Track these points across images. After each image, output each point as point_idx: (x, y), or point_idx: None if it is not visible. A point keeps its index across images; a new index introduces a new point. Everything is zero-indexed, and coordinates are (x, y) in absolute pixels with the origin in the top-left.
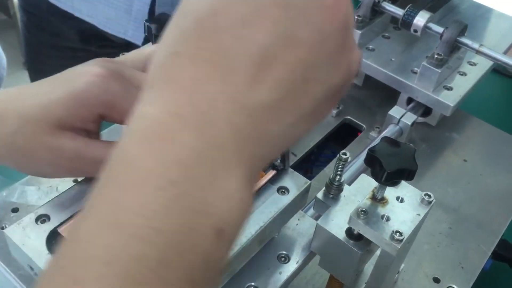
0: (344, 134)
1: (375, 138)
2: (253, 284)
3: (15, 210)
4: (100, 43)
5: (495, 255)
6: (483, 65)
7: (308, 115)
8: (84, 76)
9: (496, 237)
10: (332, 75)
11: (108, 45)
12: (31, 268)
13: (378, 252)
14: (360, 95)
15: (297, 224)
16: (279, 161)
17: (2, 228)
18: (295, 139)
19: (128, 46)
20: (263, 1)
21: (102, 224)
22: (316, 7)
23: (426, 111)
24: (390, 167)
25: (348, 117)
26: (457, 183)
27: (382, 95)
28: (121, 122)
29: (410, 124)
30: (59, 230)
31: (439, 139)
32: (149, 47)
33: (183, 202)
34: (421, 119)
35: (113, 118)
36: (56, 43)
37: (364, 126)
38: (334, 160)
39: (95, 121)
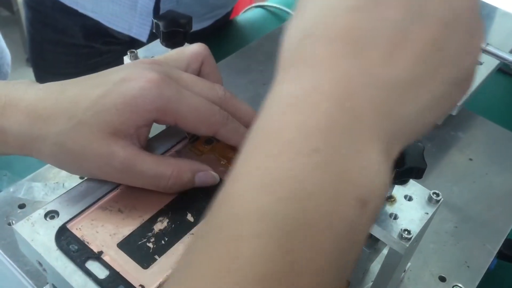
0: None
1: None
2: None
3: (21, 206)
4: (104, 40)
5: (500, 254)
6: (489, 64)
7: (439, 99)
8: (137, 81)
9: (502, 236)
10: (463, 57)
11: (113, 42)
12: (40, 264)
13: (384, 251)
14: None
15: None
16: None
17: (9, 224)
18: (428, 126)
19: (132, 42)
20: None
21: (252, 187)
22: None
23: None
24: (400, 166)
25: None
26: (462, 182)
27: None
28: (174, 124)
29: None
30: (68, 226)
31: (444, 138)
32: (190, 48)
33: (326, 168)
34: None
35: (166, 122)
36: (60, 40)
37: None
38: None
39: (147, 126)
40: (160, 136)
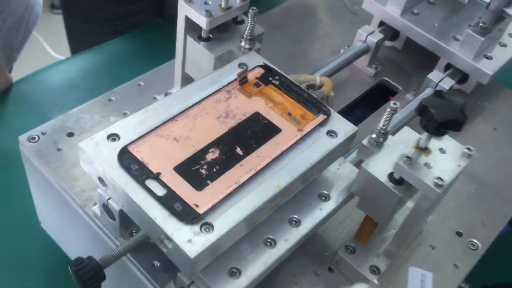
0: (375, 98)
1: (410, 100)
2: (295, 216)
3: (70, 134)
4: None
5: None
6: None
7: None
8: None
9: None
10: None
11: None
12: (101, 180)
13: (409, 205)
14: (398, 58)
15: (337, 168)
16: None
17: (58, 150)
18: None
19: None
20: None
21: None
22: None
23: (462, 78)
24: (442, 117)
25: (385, 78)
26: (485, 150)
27: (419, 60)
28: None
29: (447, 88)
30: (129, 148)
31: (471, 107)
32: None
33: None
34: (456, 86)
35: None
36: None
37: (400, 88)
38: (366, 120)
39: None
40: (214, 75)
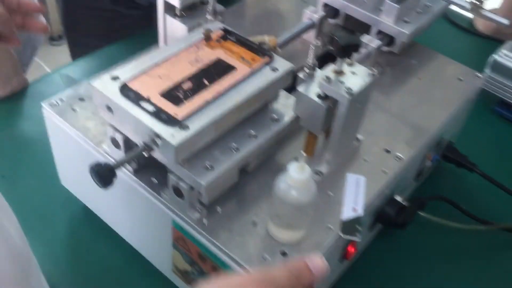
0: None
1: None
2: (253, 131)
3: (81, 99)
4: (127, 5)
5: (445, 157)
6: (437, 7)
7: None
8: None
9: (433, 128)
10: None
11: (134, 7)
12: (108, 108)
13: None
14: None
15: (285, 102)
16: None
17: (73, 110)
18: None
19: (151, 7)
20: None
21: None
22: None
23: (390, 41)
24: (343, 42)
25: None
26: (411, 93)
27: (357, 31)
28: None
29: (375, 47)
30: (127, 83)
31: (401, 64)
32: None
33: None
34: (386, 49)
35: None
36: (91, 5)
37: None
38: None
39: None
40: (186, 37)
